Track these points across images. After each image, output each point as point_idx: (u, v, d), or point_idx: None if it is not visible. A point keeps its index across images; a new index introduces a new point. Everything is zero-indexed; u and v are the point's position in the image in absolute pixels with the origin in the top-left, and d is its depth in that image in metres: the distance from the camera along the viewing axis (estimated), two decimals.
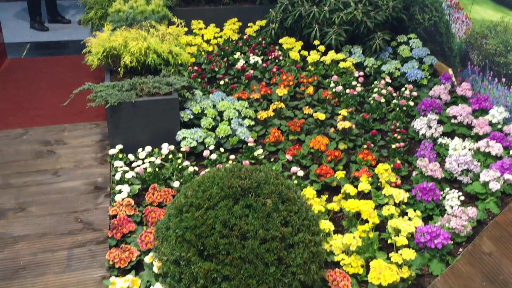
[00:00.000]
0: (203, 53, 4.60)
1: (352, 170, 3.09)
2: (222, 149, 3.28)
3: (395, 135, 3.42)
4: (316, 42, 4.40)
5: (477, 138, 3.38)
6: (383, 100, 3.81)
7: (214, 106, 3.63)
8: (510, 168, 2.89)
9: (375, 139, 3.42)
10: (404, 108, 3.76)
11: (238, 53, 4.54)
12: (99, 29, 4.46)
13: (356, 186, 2.81)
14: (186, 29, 4.56)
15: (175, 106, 3.26)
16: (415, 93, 3.89)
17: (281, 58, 4.47)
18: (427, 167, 2.92)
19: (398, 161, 3.16)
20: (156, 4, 4.45)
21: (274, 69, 4.25)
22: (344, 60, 4.31)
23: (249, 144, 3.27)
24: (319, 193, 2.91)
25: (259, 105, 3.83)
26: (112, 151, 3.19)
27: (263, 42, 4.77)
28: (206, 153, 3.16)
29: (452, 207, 2.70)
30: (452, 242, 2.52)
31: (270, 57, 4.49)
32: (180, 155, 3.16)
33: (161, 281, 2.10)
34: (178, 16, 4.51)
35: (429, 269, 2.39)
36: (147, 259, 2.25)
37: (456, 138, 3.29)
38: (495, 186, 2.76)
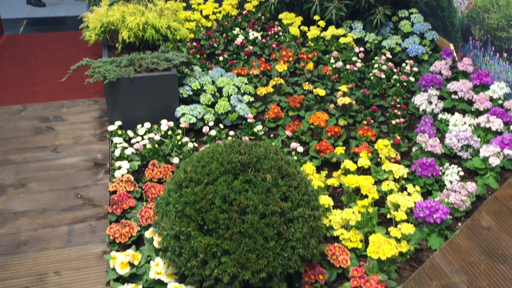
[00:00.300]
0: (201, 28, 4.55)
1: (352, 146, 3.09)
2: (221, 125, 3.27)
3: (395, 111, 3.40)
4: (316, 17, 4.34)
5: (478, 113, 3.37)
6: (383, 75, 3.79)
7: (213, 82, 3.60)
8: (510, 143, 2.89)
9: (375, 115, 3.40)
10: (405, 83, 3.74)
11: (237, 29, 4.48)
12: (96, 4, 4.39)
13: (355, 162, 2.81)
14: (184, 4, 4.49)
15: (174, 82, 3.24)
16: (415, 69, 3.86)
17: (280, 33, 4.42)
18: (427, 142, 2.91)
19: (398, 137, 3.16)
20: None
21: (274, 45, 4.21)
22: (344, 35, 4.26)
23: (248, 120, 3.26)
24: (318, 169, 2.91)
25: (259, 81, 3.80)
26: (111, 128, 3.18)
27: (263, 17, 4.71)
28: (205, 129, 3.15)
29: (451, 182, 2.70)
30: (451, 217, 2.53)
31: (269, 33, 4.44)
32: (180, 131, 3.15)
33: (161, 255, 2.11)
34: None
35: (427, 243, 2.41)
36: (147, 234, 2.27)
37: (456, 113, 3.27)
38: (494, 161, 2.76)
